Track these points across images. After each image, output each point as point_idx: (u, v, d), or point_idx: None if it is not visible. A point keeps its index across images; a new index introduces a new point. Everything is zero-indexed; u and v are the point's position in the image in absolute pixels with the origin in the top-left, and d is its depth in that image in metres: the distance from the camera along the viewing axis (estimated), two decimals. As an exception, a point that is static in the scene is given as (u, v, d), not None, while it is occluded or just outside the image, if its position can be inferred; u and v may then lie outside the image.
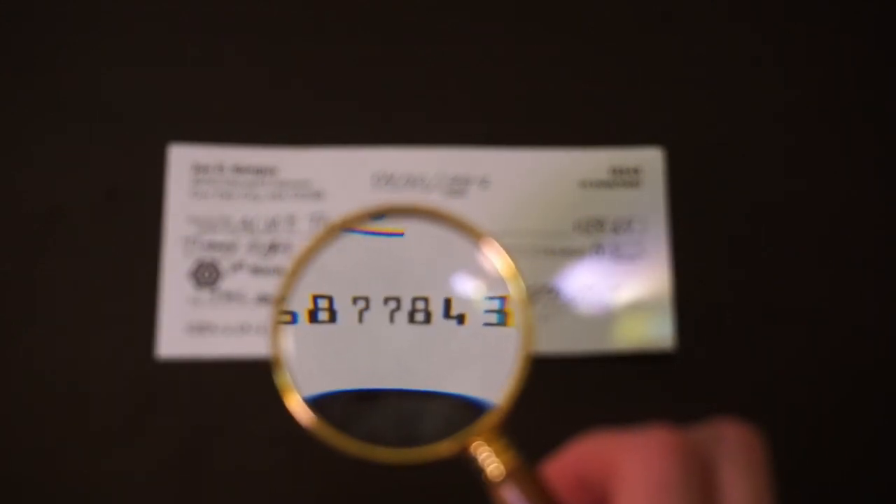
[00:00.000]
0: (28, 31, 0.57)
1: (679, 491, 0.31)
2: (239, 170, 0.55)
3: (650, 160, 0.56)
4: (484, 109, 0.57)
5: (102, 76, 0.57)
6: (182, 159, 0.55)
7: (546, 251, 0.55)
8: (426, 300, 0.42)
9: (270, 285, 0.54)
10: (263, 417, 0.51)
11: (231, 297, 0.54)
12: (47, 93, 0.56)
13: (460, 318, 0.42)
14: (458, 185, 0.55)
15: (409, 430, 0.40)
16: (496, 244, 0.38)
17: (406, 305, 0.42)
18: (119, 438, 0.52)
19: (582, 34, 0.58)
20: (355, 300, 0.42)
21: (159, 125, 0.56)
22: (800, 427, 0.53)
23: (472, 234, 0.38)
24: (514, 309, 0.38)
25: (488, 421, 0.36)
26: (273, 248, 0.54)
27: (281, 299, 0.38)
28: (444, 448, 0.36)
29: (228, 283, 0.54)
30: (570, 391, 0.53)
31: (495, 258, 0.38)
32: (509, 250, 0.38)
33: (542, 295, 0.54)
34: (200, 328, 0.53)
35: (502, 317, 0.40)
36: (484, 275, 0.39)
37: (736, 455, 0.33)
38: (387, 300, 0.42)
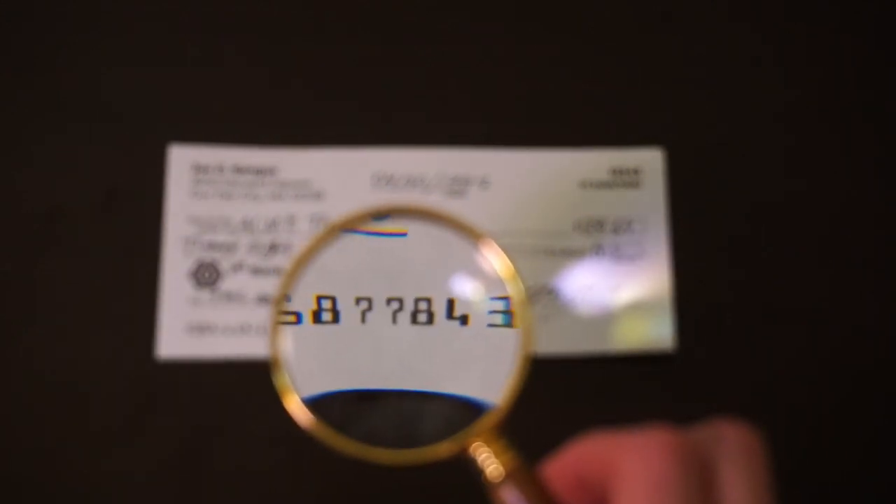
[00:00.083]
0: (28, 31, 0.57)
1: (679, 491, 0.31)
2: (239, 170, 0.55)
3: (650, 160, 0.56)
4: (484, 109, 0.57)
5: (102, 76, 0.57)
6: (182, 159, 0.55)
7: (546, 251, 0.55)
8: (429, 301, 0.42)
9: (270, 285, 0.54)
10: (263, 417, 0.51)
11: (231, 297, 0.54)
12: (47, 93, 0.56)
13: (464, 319, 0.42)
14: (458, 186, 0.55)
15: (408, 431, 0.40)
16: (495, 245, 0.38)
17: (409, 306, 0.42)
18: (119, 438, 0.52)
19: (582, 34, 0.58)
20: (358, 301, 0.42)
21: (159, 125, 0.56)
22: (800, 427, 0.53)
23: (472, 235, 0.38)
24: (514, 309, 0.38)
25: (488, 421, 0.36)
26: (273, 248, 0.54)
27: (280, 300, 0.38)
28: (443, 449, 0.36)
29: (228, 283, 0.54)
30: (570, 391, 0.53)
31: (494, 259, 0.38)
32: (508, 251, 0.38)
33: (542, 295, 0.54)
34: (200, 328, 0.53)
35: (507, 318, 0.40)
36: (484, 276, 0.39)
37: (736, 455, 0.33)
38: (389, 301, 0.42)
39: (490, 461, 0.35)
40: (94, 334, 0.53)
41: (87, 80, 0.57)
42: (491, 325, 0.41)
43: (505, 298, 0.40)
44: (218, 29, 0.58)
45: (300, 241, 0.54)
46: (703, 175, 0.56)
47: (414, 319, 0.42)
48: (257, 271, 0.54)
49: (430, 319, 0.42)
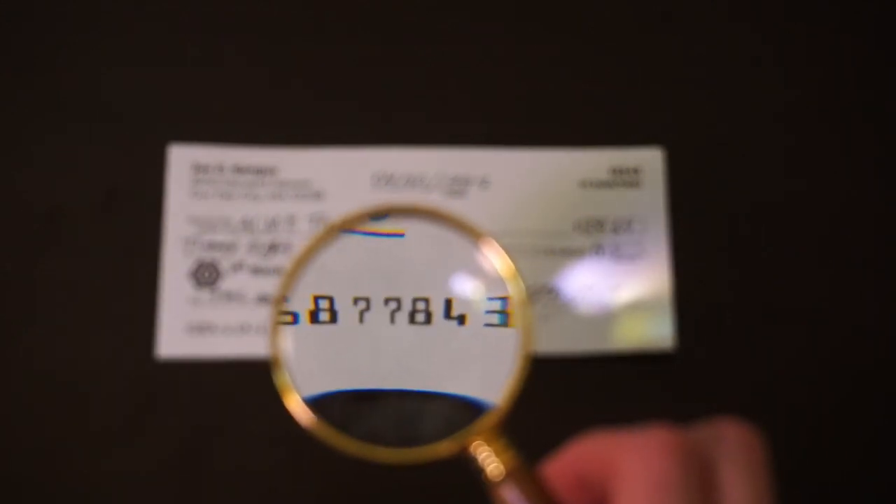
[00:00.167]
0: (28, 31, 0.57)
1: (679, 491, 0.31)
2: (239, 170, 0.55)
3: (650, 160, 0.56)
4: (484, 109, 0.57)
5: (102, 76, 0.57)
6: (182, 159, 0.55)
7: (546, 251, 0.55)
8: (427, 301, 0.42)
9: (270, 285, 0.54)
10: (263, 417, 0.51)
11: (231, 297, 0.54)
12: (47, 93, 0.56)
13: (461, 319, 0.42)
14: (458, 185, 0.55)
15: (408, 431, 0.40)
16: (496, 244, 0.38)
17: (407, 306, 0.42)
18: (119, 438, 0.52)
19: (582, 34, 0.58)
20: (356, 301, 0.42)
21: (159, 125, 0.56)
22: (800, 427, 0.53)
23: (472, 235, 0.38)
24: (514, 309, 0.38)
25: (488, 421, 0.36)
26: (273, 248, 0.54)
27: (280, 299, 0.38)
28: (443, 448, 0.36)
29: (228, 283, 0.54)
30: (570, 391, 0.53)
31: (495, 258, 0.38)
32: (509, 250, 0.38)
33: (542, 295, 0.54)
34: (200, 328, 0.53)
35: (504, 317, 0.40)
36: (484, 275, 0.39)
37: (736, 455, 0.33)
38: (387, 301, 0.42)
39: (490, 460, 0.35)
40: (94, 334, 0.53)
41: (87, 80, 0.57)
42: (488, 325, 0.41)
43: (502, 298, 0.40)
44: (218, 29, 0.58)
45: (300, 240, 0.54)
46: (703, 175, 0.56)
47: (412, 319, 0.42)
48: (257, 271, 0.54)
49: (428, 319, 0.42)
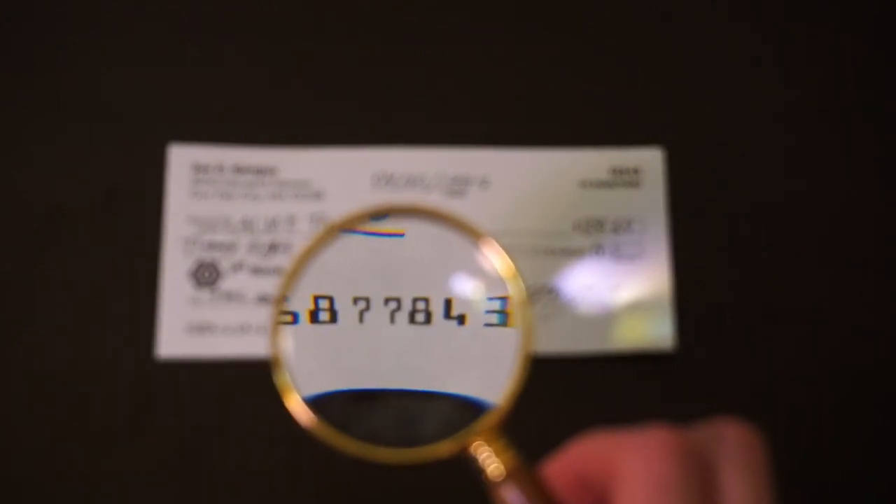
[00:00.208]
0: (28, 31, 0.57)
1: (679, 491, 0.31)
2: (239, 170, 0.55)
3: (650, 160, 0.56)
4: (484, 109, 0.57)
5: (102, 76, 0.57)
6: (182, 159, 0.55)
7: (546, 251, 0.55)
8: (427, 300, 0.42)
9: (270, 285, 0.54)
10: (263, 417, 0.51)
11: (231, 297, 0.54)
12: (47, 93, 0.56)
13: (461, 319, 0.42)
14: (458, 185, 0.55)
15: (409, 431, 0.40)
16: (496, 244, 0.38)
17: (406, 306, 0.42)
18: (119, 438, 0.52)
19: (582, 34, 0.58)
20: (356, 300, 0.42)
21: (159, 125, 0.56)
22: (800, 427, 0.53)
23: (472, 235, 0.38)
24: (514, 309, 0.38)
25: (488, 421, 0.36)
26: (273, 248, 0.54)
27: (280, 299, 0.38)
28: (443, 448, 0.36)
29: (228, 283, 0.54)
30: (570, 391, 0.53)
31: (495, 258, 0.38)
32: (509, 250, 0.38)
33: (542, 295, 0.54)
34: (200, 328, 0.53)
35: (503, 317, 0.40)
36: (484, 275, 0.39)
37: (736, 455, 0.33)
38: (387, 300, 0.42)
39: (490, 460, 0.35)
40: (94, 334, 0.53)
41: (87, 80, 0.57)
42: (488, 325, 0.41)
43: (502, 298, 0.40)
44: (218, 29, 0.58)
45: (300, 240, 0.54)
46: (703, 175, 0.56)
47: (412, 319, 0.42)
48: (257, 271, 0.54)
49: (428, 319, 0.42)
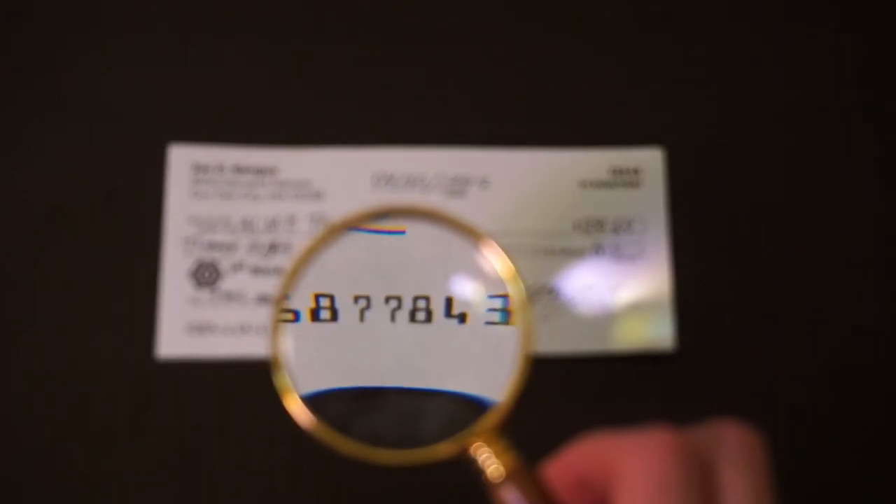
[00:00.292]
0: (28, 31, 0.57)
1: (679, 492, 0.31)
2: (239, 170, 0.55)
3: (650, 160, 0.56)
4: (484, 109, 0.57)
5: (102, 76, 0.57)
6: (182, 159, 0.55)
7: (546, 251, 0.55)
8: (427, 299, 0.42)
9: (270, 285, 0.54)
10: (263, 417, 0.51)
11: (231, 297, 0.54)
12: (47, 93, 0.56)
13: (462, 317, 0.42)
14: (458, 185, 0.55)
15: (409, 430, 0.40)
16: (496, 245, 0.38)
17: (407, 304, 0.42)
18: (119, 438, 0.52)
19: (582, 34, 0.58)
20: (357, 299, 0.42)
21: (159, 125, 0.56)
22: (800, 427, 0.53)
23: (472, 236, 0.38)
24: (514, 310, 0.38)
25: (488, 422, 0.36)
26: (273, 248, 0.54)
27: (280, 300, 0.38)
28: (443, 449, 0.36)
29: (228, 283, 0.54)
30: (570, 391, 0.53)
31: (495, 259, 0.38)
32: (509, 251, 0.38)
33: (542, 295, 0.54)
34: (200, 328, 0.53)
35: (505, 315, 0.40)
36: (484, 275, 0.39)
37: (736, 456, 0.33)
38: (388, 299, 0.42)
39: (490, 461, 0.35)
40: (94, 334, 0.53)
41: (87, 80, 0.57)
42: (489, 323, 0.41)
43: (503, 296, 0.40)
44: (218, 29, 0.58)
45: (300, 240, 0.54)
46: (703, 175, 0.56)
47: (412, 318, 0.42)
48: (257, 271, 0.54)
49: (429, 318, 0.42)
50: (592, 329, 0.54)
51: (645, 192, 0.56)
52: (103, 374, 0.53)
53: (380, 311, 0.42)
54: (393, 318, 0.42)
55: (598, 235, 0.55)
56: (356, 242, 0.40)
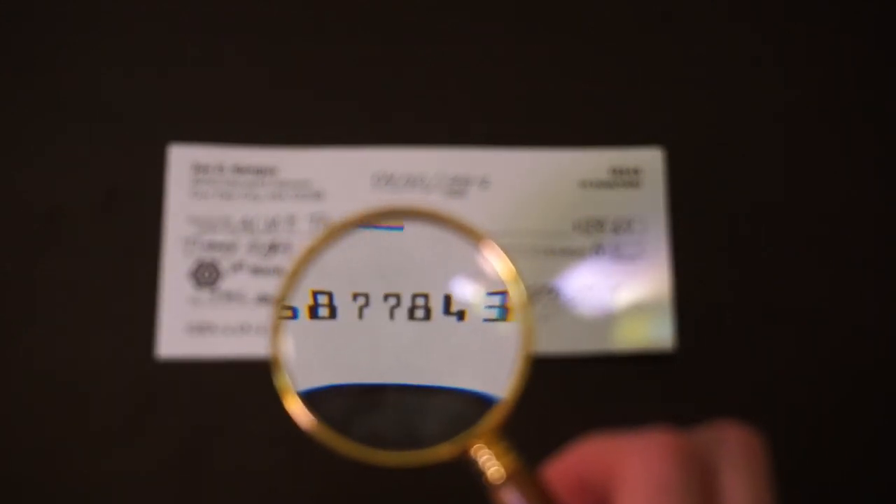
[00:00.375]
0: (28, 31, 0.57)
1: (679, 493, 0.31)
2: (239, 170, 0.55)
3: (650, 160, 0.56)
4: (484, 109, 0.57)
5: (102, 76, 0.57)
6: (182, 159, 0.55)
7: (546, 251, 0.55)
8: (426, 297, 0.42)
9: (270, 285, 0.54)
10: (263, 417, 0.51)
11: (231, 297, 0.54)
12: (47, 93, 0.56)
13: (460, 315, 0.42)
14: (458, 185, 0.55)
15: (409, 428, 0.40)
16: (496, 246, 0.38)
17: (406, 302, 0.42)
18: (119, 438, 0.52)
19: (582, 34, 0.58)
20: (355, 296, 0.42)
21: (159, 125, 0.56)
22: (800, 427, 0.53)
23: (472, 237, 0.38)
24: (514, 311, 0.38)
25: (489, 423, 0.36)
26: (273, 248, 0.54)
27: (281, 301, 0.38)
28: (444, 451, 0.36)
29: (228, 283, 0.54)
30: (570, 392, 0.53)
31: (495, 260, 0.38)
32: (509, 252, 0.38)
33: (542, 295, 0.54)
34: (200, 328, 0.53)
35: (503, 312, 0.40)
36: (484, 275, 0.39)
37: (736, 458, 0.33)
38: (387, 296, 0.42)
39: (491, 463, 0.35)
40: (94, 334, 0.53)
41: (87, 80, 0.57)
42: (487, 321, 0.41)
43: (502, 293, 0.40)
44: (218, 29, 0.58)
45: (300, 240, 0.54)
46: (703, 175, 0.56)
47: (411, 315, 0.42)
48: (257, 271, 0.54)
49: (428, 315, 0.42)
50: (592, 329, 0.54)
51: (645, 192, 0.56)
52: (103, 374, 0.53)
53: (378, 309, 0.42)
54: (392, 315, 0.42)
55: (598, 235, 0.55)
56: (355, 240, 0.40)
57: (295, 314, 0.40)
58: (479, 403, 0.37)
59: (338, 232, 0.39)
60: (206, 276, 0.54)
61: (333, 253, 0.39)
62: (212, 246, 0.54)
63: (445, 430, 0.36)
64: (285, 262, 0.54)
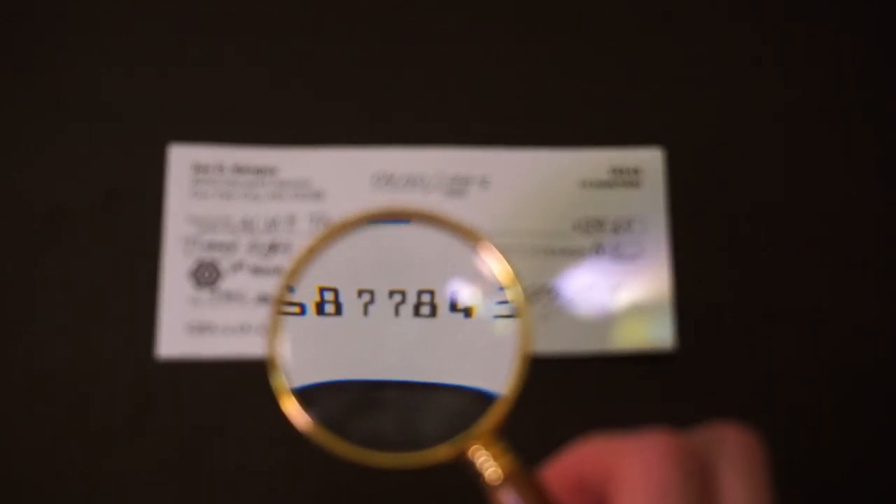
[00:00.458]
0: (28, 31, 0.57)
1: (678, 494, 0.31)
2: (239, 170, 0.55)
3: (650, 160, 0.56)
4: (484, 109, 0.57)
5: (102, 76, 0.57)
6: (182, 159, 0.55)
7: (546, 251, 0.55)
8: (432, 293, 0.42)
9: (270, 285, 0.54)
10: (263, 417, 0.51)
11: (231, 297, 0.54)
12: (47, 93, 0.56)
13: (467, 312, 0.42)
14: (458, 185, 0.55)
15: (408, 428, 0.40)
16: (494, 248, 0.38)
17: (411, 298, 0.42)
18: (119, 438, 0.52)
19: (582, 34, 0.58)
20: (360, 293, 0.42)
21: (159, 125, 0.56)
22: (800, 427, 0.53)
23: (470, 238, 0.38)
24: (513, 313, 0.38)
25: (486, 424, 0.36)
26: (273, 248, 0.54)
27: (279, 301, 0.38)
28: (442, 452, 0.36)
29: (228, 283, 0.54)
30: (570, 392, 0.53)
31: (493, 262, 0.38)
32: (507, 254, 0.38)
33: (542, 295, 0.54)
34: (200, 328, 0.53)
35: (513, 309, 0.40)
36: (483, 277, 0.39)
37: (735, 458, 0.33)
38: (392, 293, 0.42)
39: (489, 464, 0.35)
40: (94, 334, 0.53)
41: (87, 80, 0.57)
42: (498, 317, 0.41)
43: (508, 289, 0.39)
44: (218, 29, 0.58)
45: (300, 240, 0.54)
46: (703, 175, 0.56)
47: (417, 312, 0.42)
48: (257, 271, 0.54)
49: (433, 312, 0.42)
50: (592, 329, 0.54)
51: (645, 191, 0.56)
52: (103, 374, 0.53)
53: (383, 306, 0.42)
54: (397, 312, 0.42)
55: (598, 235, 0.55)
56: (360, 235, 0.40)
57: (303, 310, 0.40)
58: (481, 400, 0.37)
59: (335, 234, 0.39)
60: (206, 276, 0.54)
61: (339, 249, 0.39)
62: (212, 246, 0.54)
63: (445, 428, 0.36)
64: (285, 261, 0.54)
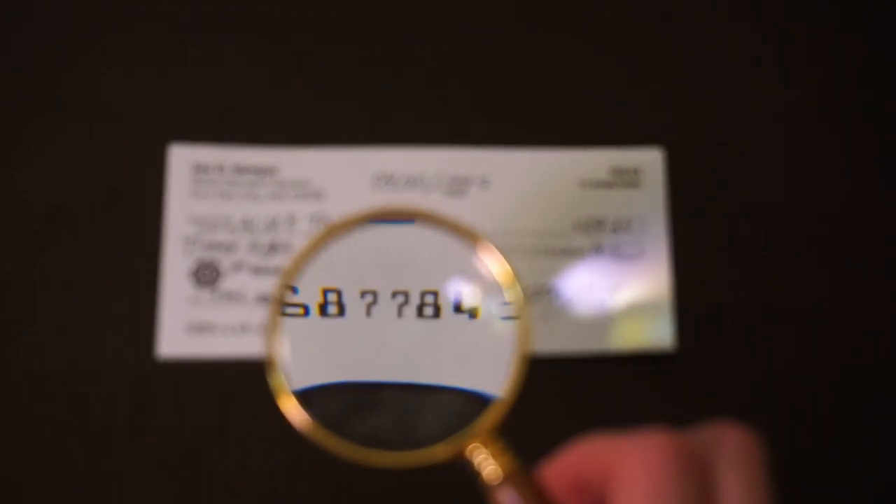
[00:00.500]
0: (28, 31, 0.57)
1: (677, 493, 0.31)
2: (239, 170, 0.55)
3: (650, 160, 0.56)
4: (484, 109, 0.57)
5: (102, 76, 0.57)
6: (182, 159, 0.55)
7: (546, 251, 0.55)
8: (435, 294, 0.42)
9: (270, 285, 0.54)
10: (263, 417, 0.50)
11: (231, 297, 0.54)
12: (47, 93, 0.56)
13: (472, 313, 0.42)
14: (458, 185, 0.55)
15: (407, 428, 0.40)
16: (494, 248, 0.38)
17: (415, 299, 0.42)
18: (119, 438, 0.52)
19: (582, 34, 0.58)
20: (363, 294, 0.42)
21: (159, 125, 0.56)
22: (800, 427, 0.53)
23: (469, 238, 0.38)
24: (512, 313, 0.38)
25: (485, 423, 0.36)
26: (273, 248, 0.54)
27: (277, 301, 0.38)
28: (440, 451, 0.36)
29: (228, 283, 0.54)
30: (570, 392, 0.53)
31: (492, 262, 0.38)
32: (507, 253, 0.38)
33: (542, 295, 0.54)
34: (200, 328, 0.53)
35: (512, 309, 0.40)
36: (483, 278, 0.39)
37: (734, 458, 0.33)
38: (395, 294, 0.42)
39: (487, 463, 0.35)
40: (94, 334, 0.53)
41: (87, 80, 0.57)
42: (505, 318, 0.41)
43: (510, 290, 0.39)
44: (218, 29, 0.58)
45: (300, 240, 0.54)
46: (703, 175, 0.56)
47: (420, 313, 0.42)
48: (257, 271, 0.54)
49: (437, 313, 0.42)
50: (592, 329, 0.54)
51: (645, 192, 0.56)
52: (103, 374, 0.53)
53: (387, 306, 0.42)
54: (400, 313, 0.42)
55: (597, 235, 0.55)
56: (363, 235, 0.40)
57: (307, 311, 0.40)
58: (480, 402, 0.37)
59: (334, 233, 0.39)
60: (206, 275, 0.54)
61: (342, 250, 0.39)
62: (212, 246, 0.54)
63: (444, 428, 0.36)
64: (285, 262, 0.54)
